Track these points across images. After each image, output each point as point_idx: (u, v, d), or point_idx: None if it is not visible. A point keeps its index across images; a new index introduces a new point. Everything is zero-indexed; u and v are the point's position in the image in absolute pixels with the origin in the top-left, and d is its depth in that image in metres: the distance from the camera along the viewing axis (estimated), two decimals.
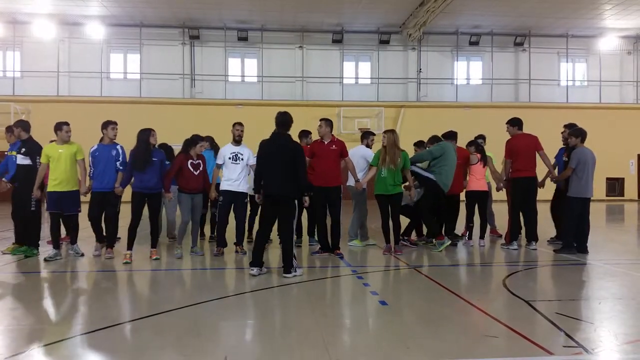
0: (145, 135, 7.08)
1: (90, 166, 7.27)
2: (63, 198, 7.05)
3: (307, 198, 6.32)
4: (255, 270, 6.06)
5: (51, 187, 7.04)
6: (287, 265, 6.01)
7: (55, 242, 7.23)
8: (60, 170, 7.00)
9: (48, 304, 5.10)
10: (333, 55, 23.08)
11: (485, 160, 8.63)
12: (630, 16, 20.78)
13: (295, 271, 6.03)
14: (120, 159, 7.21)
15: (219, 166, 7.60)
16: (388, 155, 7.54)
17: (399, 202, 7.70)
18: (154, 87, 22.11)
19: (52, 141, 7.38)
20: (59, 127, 7.10)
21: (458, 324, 4.39)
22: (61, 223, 8.73)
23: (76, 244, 7.39)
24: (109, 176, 7.14)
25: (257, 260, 6.10)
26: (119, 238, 8.30)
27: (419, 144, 8.95)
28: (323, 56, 22.97)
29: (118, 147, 7.27)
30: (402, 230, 8.05)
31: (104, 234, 7.56)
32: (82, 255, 7.30)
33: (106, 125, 7.30)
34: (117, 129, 7.36)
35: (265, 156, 6.15)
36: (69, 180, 7.06)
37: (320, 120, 7.70)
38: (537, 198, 8.18)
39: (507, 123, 8.43)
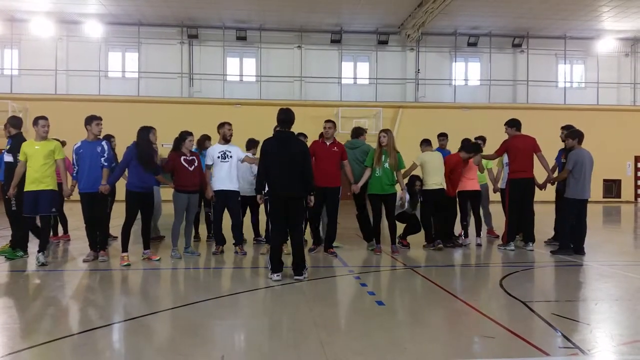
0: (145, 133, 6.95)
1: (74, 164, 6.90)
2: (38, 198, 6.59)
3: (312, 197, 6.17)
4: (277, 276, 5.76)
5: (27, 186, 6.62)
6: (300, 267, 5.87)
7: (23, 244, 6.93)
8: (34, 167, 6.56)
9: (44, 303, 5.09)
10: (331, 55, 23.09)
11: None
12: (628, 18, 20.84)
13: (306, 273, 5.95)
14: (106, 155, 6.83)
15: (209, 166, 7.57)
16: (388, 155, 7.53)
17: (394, 202, 7.69)
18: (152, 86, 22.08)
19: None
20: (35, 121, 6.68)
21: (455, 325, 4.41)
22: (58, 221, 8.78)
23: (42, 252, 6.67)
24: (95, 175, 6.76)
25: (278, 266, 5.82)
26: (116, 237, 8.27)
27: (425, 143, 8.83)
28: (321, 56, 22.98)
29: (103, 143, 6.91)
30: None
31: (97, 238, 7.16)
32: (45, 264, 6.60)
33: (90, 120, 6.90)
34: (101, 124, 6.98)
35: (271, 155, 5.90)
36: (43, 179, 6.58)
37: (328, 122, 7.73)
38: (535, 199, 8.21)
39: (505, 124, 8.46)
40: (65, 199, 7.29)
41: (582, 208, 7.67)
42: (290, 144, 5.95)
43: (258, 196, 6.12)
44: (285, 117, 6.02)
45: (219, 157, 7.43)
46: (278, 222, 5.94)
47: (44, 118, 6.75)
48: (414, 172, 8.39)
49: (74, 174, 6.95)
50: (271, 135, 6.14)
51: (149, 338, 3.97)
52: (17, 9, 20.19)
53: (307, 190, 6.04)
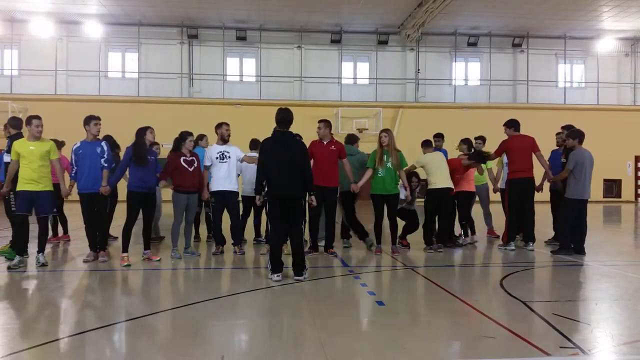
0: (140, 132, 6.99)
1: (72, 165, 6.85)
2: (36, 199, 6.48)
3: (313, 197, 6.16)
4: (277, 277, 5.76)
5: (21, 186, 6.44)
6: (300, 267, 5.87)
7: (20, 247, 6.67)
8: (31, 169, 6.41)
9: (44, 304, 5.09)
10: (331, 55, 23.08)
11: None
12: (628, 18, 20.84)
13: (306, 273, 5.94)
14: (106, 155, 6.84)
15: (207, 167, 7.58)
16: (390, 155, 7.50)
17: (397, 202, 7.71)
18: (152, 86, 22.09)
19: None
20: (28, 121, 6.52)
21: (455, 325, 4.40)
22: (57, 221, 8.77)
23: (42, 253, 6.63)
24: (95, 175, 6.76)
25: (278, 266, 5.82)
26: (116, 237, 8.26)
27: (425, 144, 8.83)
28: (321, 56, 22.98)
29: (102, 143, 6.91)
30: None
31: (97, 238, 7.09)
32: (45, 264, 6.58)
33: (88, 120, 6.87)
34: (100, 124, 6.93)
35: (270, 155, 5.88)
36: (41, 180, 6.48)
37: (319, 122, 7.67)
38: (535, 199, 8.20)
39: (504, 125, 8.45)
40: (65, 199, 7.24)
41: (582, 208, 7.66)
42: (289, 144, 5.94)
43: (257, 197, 6.10)
44: (284, 117, 6.00)
45: (217, 158, 7.45)
46: (278, 223, 5.93)
47: (38, 117, 6.61)
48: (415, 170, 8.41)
49: (72, 174, 6.91)
50: (270, 135, 6.13)
51: (149, 338, 3.96)
52: (17, 9, 20.19)
53: (307, 190, 6.03)
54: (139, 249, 7.34)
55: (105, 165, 6.86)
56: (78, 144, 6.90)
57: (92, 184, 6.79)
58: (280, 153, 5.86)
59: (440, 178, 8.02)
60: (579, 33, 22.76)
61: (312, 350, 3.62)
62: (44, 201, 6.55)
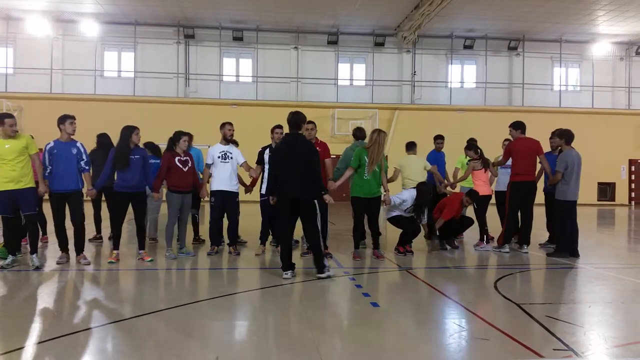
0: (126, 133, 6.88)
1: (46, 165, 6.57)
2: (19, 197, 6.32)
3: (327, 196, 6.19)
4: (288, 274, 5.94)
5: (1, 186, 6.27)
6: (320, 265, 6.00)
7: (11, 247, 6.61)
8: (9, 167, 6.24)
9: (38, 303, 5.06)
10: (328, 56, 23.09)
11: (487, 164, 8.67)
12: (623, 22, 20.97)
13: (328, 270, 6.03)
14: (85, 158, 6.70)
15: (209, 166, 7.59)
16: (377, 156, 7.22)
17: (379, 205, 7.50)
18: (148, 86, 22.03)
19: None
20: (0, 121, 6.25)
21: (449, 326, 4.41)
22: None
23: (35, 254, 6.53)
24: (70, 176, 6.57)
25: (288, 264, 6.01)
26: (101, 239, 8.20)
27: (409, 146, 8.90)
28: (318, 57, 22.98)
29: (78, 144, 6.71)
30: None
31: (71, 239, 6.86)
32: (41, 267, 6.48)
33: (64, 120, 6.65)
34: (75, 124, 6.72)
35: (280, 157, 6.08)
36: (22, 177, 6.31)
37: (310, 123, 7.51)
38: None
39: (510, 126, 8.34)
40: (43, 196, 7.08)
41: (572, 209, 7.68)
42: (297, 146, 6.02)
43: (271, 197, 6.19)
44: (291, 118, 6.15)
45: (219, 157, 7.46)
46: (287, 225, 6.06)
47: (11, 116, 6.39)
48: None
49: (46, 174, 6.66)
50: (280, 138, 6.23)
51: (142, 339, 3.95)
52: (12, 7, 20.10)
53: (316, 191, 6.06)
54: (127, 248, 7.30)
55: (87, 168, 6.75)
56: (52, 144, 6.63)
57: (65, 184, 6.60)
58: (289, 154, 5.99)
59: (413, 173, 8.29)
60: (574, 37, 22.88)
61: (307, 352, 3.62)
62: (27, 198, 6.39)
